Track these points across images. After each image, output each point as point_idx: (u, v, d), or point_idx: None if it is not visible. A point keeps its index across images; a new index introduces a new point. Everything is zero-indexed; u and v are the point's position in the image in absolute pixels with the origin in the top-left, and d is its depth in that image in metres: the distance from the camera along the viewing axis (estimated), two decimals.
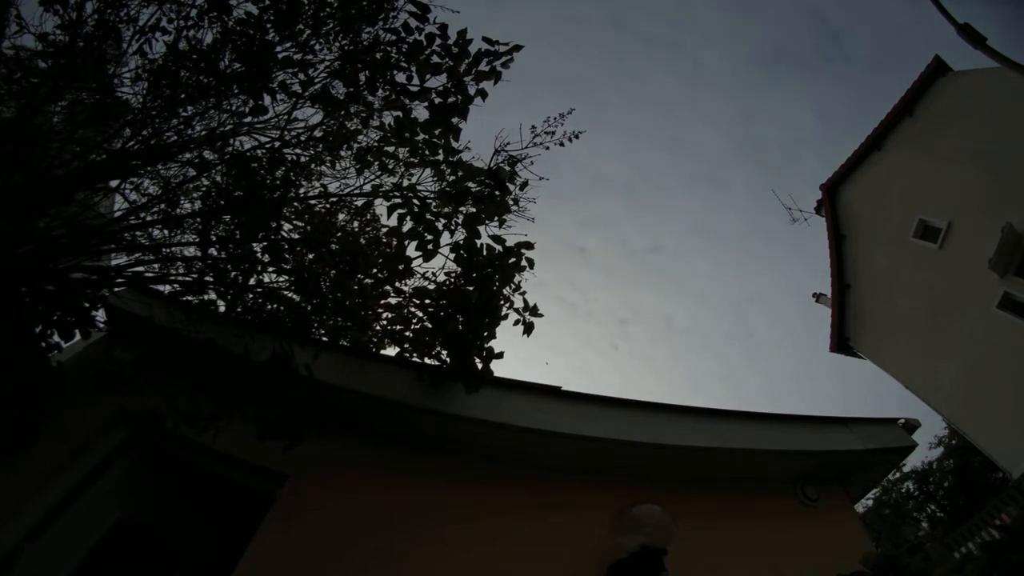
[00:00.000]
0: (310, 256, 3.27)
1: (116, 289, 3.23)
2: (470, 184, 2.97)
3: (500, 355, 3.08)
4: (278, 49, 3.07)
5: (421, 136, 3.07)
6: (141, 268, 3.43)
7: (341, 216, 3.91)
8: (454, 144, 3.02)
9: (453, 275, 3.17)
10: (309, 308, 3.33)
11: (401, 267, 3.14)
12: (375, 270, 3.24)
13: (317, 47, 3.22)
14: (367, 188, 3.55)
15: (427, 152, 3.11)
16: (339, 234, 3.65)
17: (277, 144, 3.39)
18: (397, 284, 3.26)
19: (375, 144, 3.38)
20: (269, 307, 3.37)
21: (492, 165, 3.04)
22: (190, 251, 3.57)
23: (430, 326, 3.23)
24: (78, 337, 2.81)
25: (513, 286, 3.07)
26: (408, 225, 2.94)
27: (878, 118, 12.01)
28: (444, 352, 3.17)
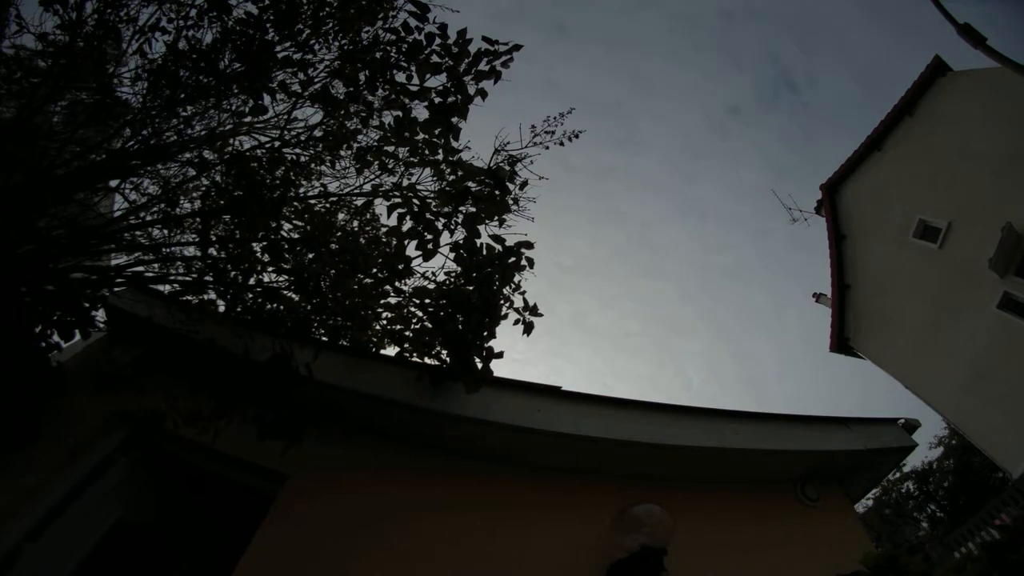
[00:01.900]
0: (310, 256, 3.27)
1: (116, 289, 3.23)
2: (470, 184, 2.97)
3: (500, 355, 3.08)
4: (278, 49, 3.07)
5: (421, 136, 3.06)
6: (141, 268, 3.43)
7: (341, 216, 3.91)
8: (454, 144, 3.02)
9: (453, 275, 3.17)
10: (309, 308, 3.33)
11: (401, 267, 3.13)
12: (375, 270, 3.23)
13: (317, 47, 3.22)
14: (367, 188, 3.55)
15: (427, 152, 3.11)
16: (339, 234, 3.64)
17: (277, 144, 3.39)
18: (397, 284, 3.26)
19: (375, 144, 3.38)
20: (269, 307, 3.37)
21: (492, 165, 3.04)
22: (190, 251, 3.57)
23: (430, 326, 3.23)
24: (78, 337, 2.81)
25: (513, 286, 3.07)
26: (408, 225, 2.93)
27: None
28: (444, 352, 3.17)
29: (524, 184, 3.23)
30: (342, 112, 3.30)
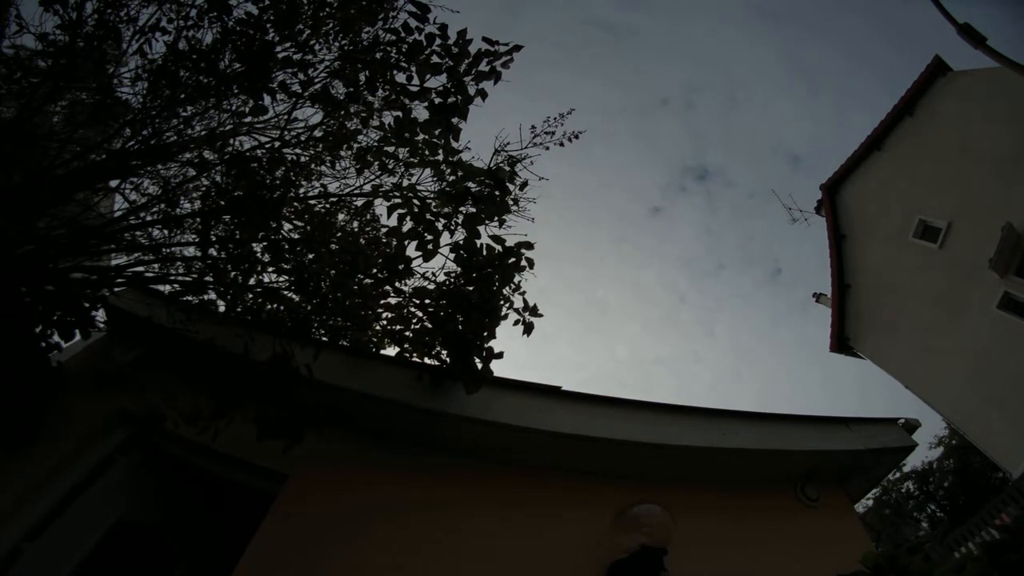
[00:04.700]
0: (310, 256, 3.27)
1: (116, 289, 3.23)
2: (470, 184, 2.97)
3: (500, 355, 3.08)
4: (278, 49, 3.07)
5: (421, 136, 3.06)
6: (141, 268, 3.43)
7: (341, 216, 3.90)
8: (454, 144, 3.02)
9: (453, 275, 3.17)
10: (309, 308, 3.33)
11: (401, 267, 3.13)
12: (375, 270, 3.23)
13: (317, 47, 3.22)
14: (367, 188, 3.54)
15: (427, 152, 3.10)
16: (339, 234, 3.64)
17: (277, 144, 3.39)
18: (397, 284, 3.26)
19: (375, 144, 3.38)
20: (269, 307, 3.37)
21: (492, 165, 3.04)
22: (190, 251, 3.57)
23: (430, 326, 3.23)
24: (78, 337, 2.81)
25: (513, 286, 3.07)
26: (408, 225, 2.93)
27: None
28: (444, 352, 3.17)
29: (524, 185, 3.22)
30: (342, 112, 3.30)
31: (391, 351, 3.49)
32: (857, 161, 12.55)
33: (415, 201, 2.96)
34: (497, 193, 2.96)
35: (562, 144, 3.21)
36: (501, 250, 3.00)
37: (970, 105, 10.27)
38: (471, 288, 3.05)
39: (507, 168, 3.07)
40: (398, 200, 2.98)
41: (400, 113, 3.05)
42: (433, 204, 2.99)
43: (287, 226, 3.39)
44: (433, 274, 3.19)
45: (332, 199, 3.69)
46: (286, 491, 2.88)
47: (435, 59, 2.95)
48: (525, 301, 3.08)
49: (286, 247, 3.17)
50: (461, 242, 3.02)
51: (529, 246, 3.03)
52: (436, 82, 2.98)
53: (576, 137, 3.25)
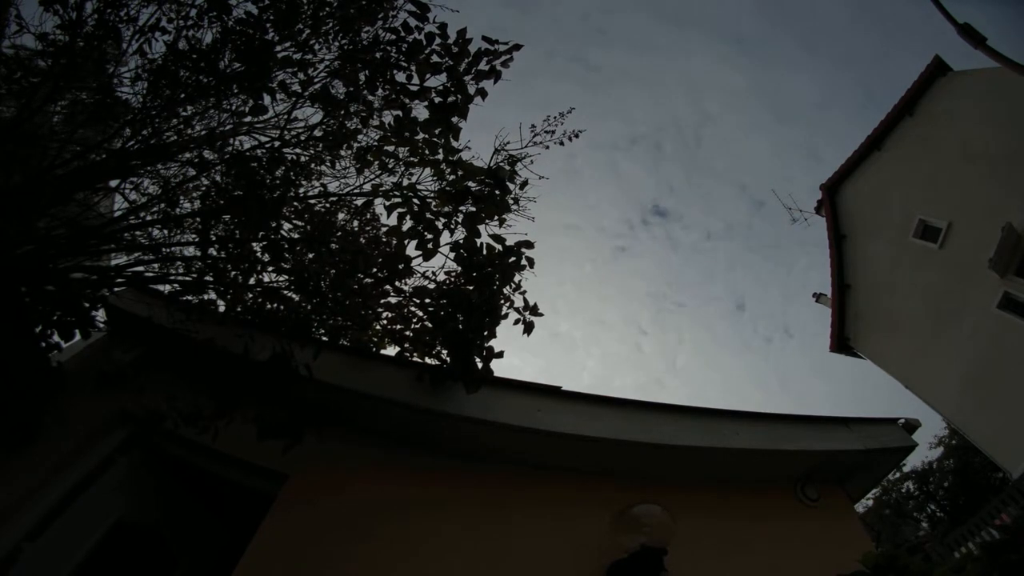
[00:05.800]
0: (310, 256, 3.27)
1: (116, 289, 3.23)
2: (470, 183, 2.97)
3: (500, 354, 3.08)
4: (278, 49, 3.07)
5: (421, 135, 3.07)
6: (141, 268, 3.43)
7: (341, 216, 3.91)
8: (454, 143, 3.02)
9: (453, 274, 3.17)
10: (309, 308, 3.33)
11: (401, 266, 3.13)
12: (375, 269, 3.23)
13: (317, 47, 3.22)
14: (367, 188, 3.54)
15: (427, 151, 3.11)
16: (339, 234, 3.64)
17: (277, 144, 3.39)
18: (397, 283, 3.26)
19: (375, 144, 3.38)
20: (269, 307, 3.37)
21: (492, 164, 3.04)
22: (190, 251, 3.57)
23: (430, 326, 3.23)
24: (78, 337, 2.81)
25: (513, 285, 3.07)
26: (408, 224, 2.93)
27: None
28: (444, 352, 3.17)
29: (524, 184, 3.23)
30: (342, 112, 3.30)
31: (391, 351, 3.50)
32: (857, 161, 12.55)
33: (415, 200, 2.96)
34: (497, 192, 2.96)
35: (562, 143, 3.22)
36: (501, 249, 3.00)
37: (970, 105, 10.27)
38: (471, 287, 3.05)
39: (507, 167, 3.07)
40: (398, 199, 2.97)
41: (400, 112, 3.05)
42: (433, 203, 2.99)
43: (287, 226, 3.39)
44: (433, 273, 3.20)
45: (332, 199, 3.70)
46: (286, 491, 2.88)
47: (435, 58, 2.95)
48: (525, 300, 3.08)
49: (286, 247, 3.16)
50: (461, 241, 3.02)
51: (529, 245, 3.04)
52: (436, 81, 2.98)
53: (576, 136, 3.25)
